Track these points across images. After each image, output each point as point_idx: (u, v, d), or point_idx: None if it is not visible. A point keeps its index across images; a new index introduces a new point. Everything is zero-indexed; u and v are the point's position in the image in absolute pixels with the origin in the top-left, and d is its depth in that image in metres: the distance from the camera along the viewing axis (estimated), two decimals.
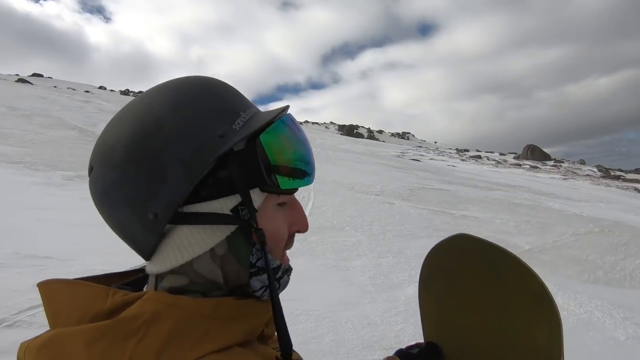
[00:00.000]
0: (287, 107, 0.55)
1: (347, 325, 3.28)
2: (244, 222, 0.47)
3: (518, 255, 0.70)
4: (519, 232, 7.85)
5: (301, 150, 0.53)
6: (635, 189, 24.81)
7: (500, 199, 11.98)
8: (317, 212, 7.40)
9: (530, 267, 0.69)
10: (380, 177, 13.53)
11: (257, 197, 0.49)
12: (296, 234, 0.56)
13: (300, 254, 4.88)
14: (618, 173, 38.25)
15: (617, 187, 25.04)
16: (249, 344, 0.48)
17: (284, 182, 0.50)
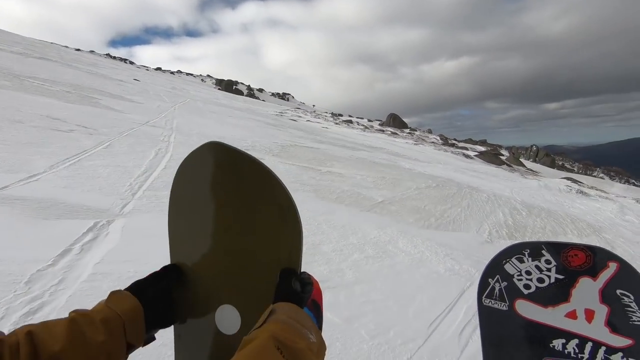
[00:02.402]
0: None
1: None
2: None
3: (275, 173, 0.66)
4: (375, 187, 8.62)
5: None
6: (464, 154, 30.64)
7: (363, 158, 13.00)
8: (175, 166, 6.63)
9: (280, 180, 0.65)
10: (252, 133, 13.06)
11: None
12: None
13: (147, 210, 4.21)
14: (453, 141, 46.53)
15: (452, 152, 30.45)
16: None
17: None
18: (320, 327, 0.60)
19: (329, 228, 5.08)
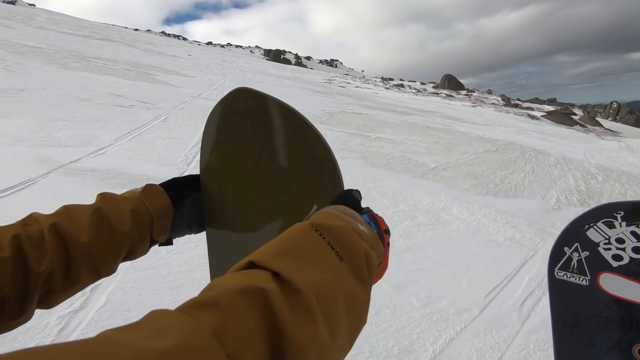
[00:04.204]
0: None
1: None
2: None
3: (309, 120, 0.59)
4: (428, 152, 8.20)
5: None
6: (529, 115, 28.02)
7: (415, 123, 12.40)
8: None
9: (315, 127, 0.60)
10: (300, 101, 12.99)
11: None
12: None
13: None
14: (517, 102, 42.67)
15: (515, 113, 27.99)
16: None
17: None
18: (381, 240, 0.51)
19: (379, 195, 4.95)
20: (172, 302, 2.21)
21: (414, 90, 40.17)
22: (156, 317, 0.27)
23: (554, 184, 6.88)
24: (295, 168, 0.63)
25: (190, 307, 0.30)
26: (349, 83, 34.15)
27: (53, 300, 0.53)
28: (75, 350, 0.21)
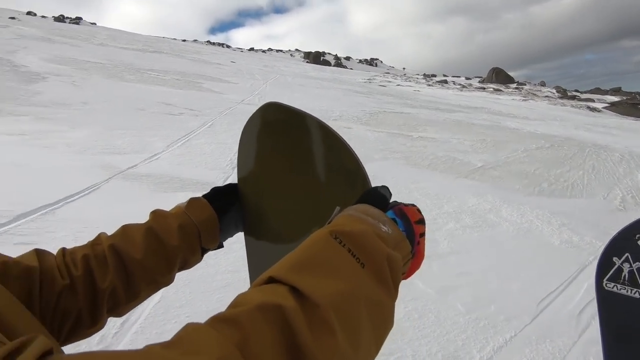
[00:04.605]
0: None
1: None
2: None
3: (336, 132, 0.61)
4: (474, 151, 7.86)
5: None
6: (588, 107, 25.81)
7: (459, 120, 11.93)
8: None
9: (342, 138, 0.60)
10: (340, 103, 13.00)
11: None
12: None
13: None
14: (574, 93, 39.47)
15: (572, 106, 25.91)
16: None
17: None
18: (409, 237, 0.49)
19: (421, 196, 4.84)
20: (220, 300, 2.32)
21: (459, 86, 38.60)
22: (191, 333, 0.30)
23: (618, 182, 6.30)
24: (327, 179, 0.64)
25: (217, 322, 0.31)
26: (389, 82, 33.60)
27: (120, 311, 0.59)
28: (126, 358, 0.25)
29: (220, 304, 2.28)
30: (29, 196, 3.42)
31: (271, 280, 0.36)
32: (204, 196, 0.71)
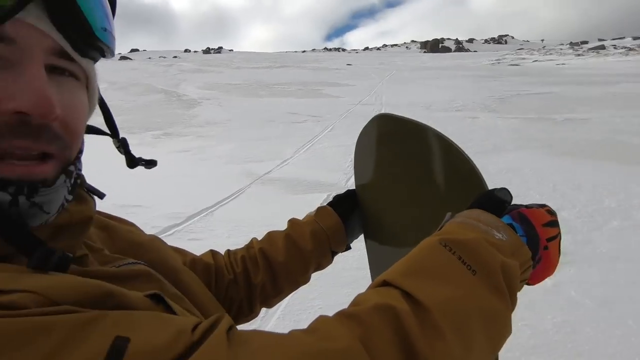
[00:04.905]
0: None
1: None
2: None
3: (447, 137, 0.60)
4: None
5: None
6: None
7: (625, 94, 9.66)
8: None
9: (455, 144, 0.59)
10: (463, 91, 12.02)
11: None
12: (40, 121, 0.32)
13: None
14: None
15: None
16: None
17: None
18: (530, 244, 0.46)
19: (571, 189, 4.12)
20: (347, 294, 2.46)
21: (621, 51, 31.15)
22: (324, 323, 0.35)
23: None
24: (441, 185, 0.65)
25: (343, 316, 0.35)
26: (523, 59, 29.43)
27: (269, 303, 0.71)
28: (282, 339, 0.32)
29: (348, 298, 2.39)
30: (194, 200, 4.25)
31: (385, 283, 0.39)
32: (329, 204, 0.78)
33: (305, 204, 4.10)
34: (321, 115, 9.62)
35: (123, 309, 0.30)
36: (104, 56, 0.39)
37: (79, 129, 0.37)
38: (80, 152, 0.39)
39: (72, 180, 0.37)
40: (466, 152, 0.58)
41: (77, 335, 0.26)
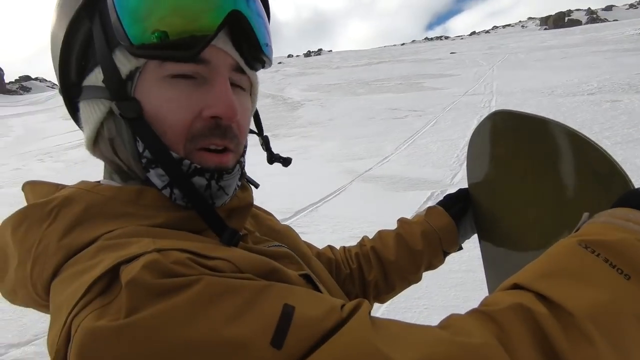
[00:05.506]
0: None
1: None
2: (115, 93, 0.40)
3: (579, 132, 0.55)
4: None
5: None
6: None
7: None
8: None
9: (588, 138, 0.53)
10: (599, 70, 10.13)
11: (124, 60, 0.40)
12: (227, 123, 0.41)
13: None
14: None
15: None
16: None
17: (142, 34, 0.38)
18: None
19: None
20: (455, 296, 2.36)
21: None
22: (457, 320, 0.35)
23: None
24: (572, 184, 0.58)
25: (477, 314, 0.35)
26: None
27: (382, 299, 0.74)
28: (418, 328, 0.34)
29: (455, 300, 2.31)
30: (301, 196, 4.55)
31: (516, 286, 0.37)
32: (439, 204, 0.77)
33: (406, 202, 4.03)
34: (423, 109, 9.24)
35: (284, 282, 0.37)
36: (264, 67, 0.46)
37: (247, 129, 0.46)
38: (246, 147, 0.47)
39: (242, 170, 0.46)
40: (602, 146, 0.53)
41: (258, 298, 0.33)
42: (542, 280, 0.36)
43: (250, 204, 0.48)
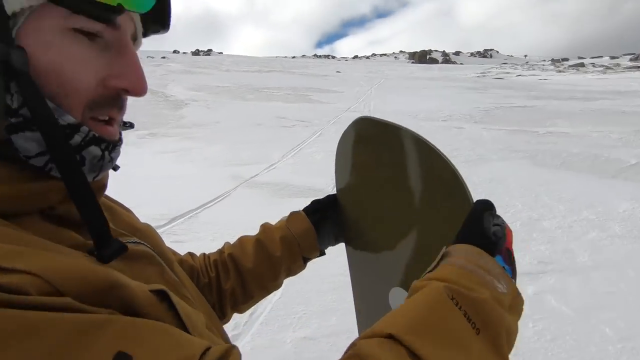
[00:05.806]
0: None
1: None
2: None
3: (428, 141, 0.59)
4: (624, 144, 6.50)
5: None
6: None
7: (602, 109, 10.01)
8: None
9: (436, 147, 0.57)
10: (450, 102, 12.25)
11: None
12: (126, 96, 0.39)
13: None
14: None
15: None
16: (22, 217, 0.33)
17: None
18: (514, 278, 0.47)
19: (552, 200, 4.22)
20: (333, 300, 2.44)
21: (600, 69, 32.44)
22: None
23: None
24: (422, 190, 0.63)
25: None
26: (507, 73, 30.29)
27: (239, 309, 0.70)
28: None
29: (332, 304, 2.40)
30: (179, 202, 4.16)
31: (390, 337, 0.37)
32: (304, 209, 0.76)
33: (291, 209, 4.05)
34: (310, 120, 9.62)
35: (126, 303, 0.28)
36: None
37: None
38: None
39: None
40: (453, 162, 0.57)
41: (74, 345, 0.23)
42: (415, 335, 0.37)
43: (104, 185, 0.43)
